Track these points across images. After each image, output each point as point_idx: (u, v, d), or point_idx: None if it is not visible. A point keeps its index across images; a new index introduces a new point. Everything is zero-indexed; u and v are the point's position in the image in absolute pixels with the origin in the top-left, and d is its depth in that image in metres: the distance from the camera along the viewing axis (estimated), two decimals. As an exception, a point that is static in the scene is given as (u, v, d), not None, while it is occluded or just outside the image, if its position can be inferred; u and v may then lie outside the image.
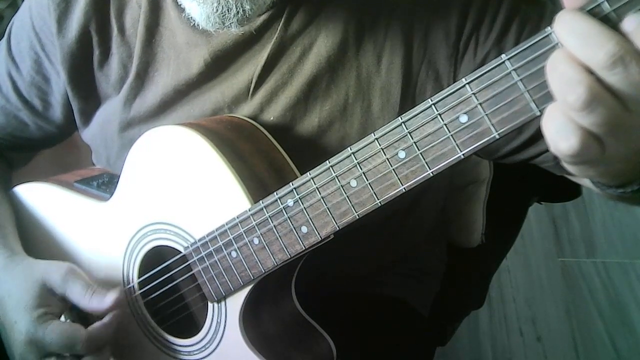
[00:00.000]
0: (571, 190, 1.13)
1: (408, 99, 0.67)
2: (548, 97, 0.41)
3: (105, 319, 0.69)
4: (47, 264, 0.73)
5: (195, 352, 0.71)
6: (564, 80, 0.37)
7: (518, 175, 1.06)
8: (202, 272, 0.66)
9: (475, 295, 1.16)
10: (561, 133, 0.39)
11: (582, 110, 0.37)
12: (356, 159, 0.52)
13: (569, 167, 0.44)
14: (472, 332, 1.79)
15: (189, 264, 0.67)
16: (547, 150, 0.65)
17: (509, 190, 1.10)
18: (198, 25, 0.63)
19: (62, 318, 0.71)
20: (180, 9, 0.69)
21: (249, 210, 0.60)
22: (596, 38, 0.35)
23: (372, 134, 0.51)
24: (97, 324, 0.69)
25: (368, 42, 0.66)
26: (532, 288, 1.90)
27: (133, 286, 0.74)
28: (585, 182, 0.65)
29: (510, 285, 1.91)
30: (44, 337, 0.66)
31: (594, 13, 0.37)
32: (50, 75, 0.78)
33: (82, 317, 0.73)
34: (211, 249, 0.64)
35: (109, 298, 0.68)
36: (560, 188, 1.13)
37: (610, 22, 0.36)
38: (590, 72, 0.36)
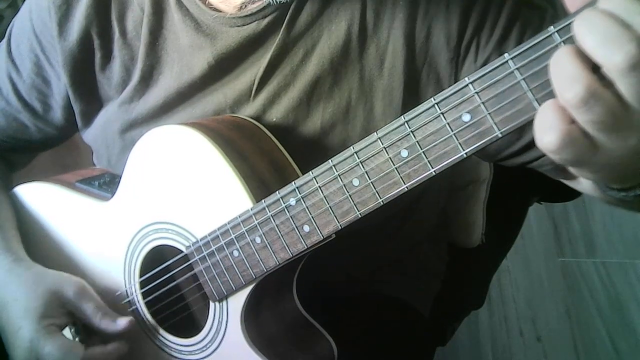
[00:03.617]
0: (571, 190, 1.12)
1: (410, 102, 0.67)
2: (551, 96, 0.41)
3: (109, 347, 0.70)
4: (59, 275, 0.73)
5: (196, 352, 0.71)
6: (564, 76, 0.37)
7: (518, 175, 1.06)
8: (203, 271, 0.66)
9: (475, 295, 1.16)
10: (543, 127, 0.39)
11: (579, 107, 0.37)
12: (358, 158, 0.52)
13: (571, 167, 0.44)
14: (472, 332, 1.79)
15: (190, 264, 0.67)
16: (545, 154, 0.65)
17: (509, 190, 1.10)
18: (276, 1, 0.63)
19: (67, 329, 0.71)
20: (184, 11, 0.69)
21: (251, 209, 0.60)
22: (616, 39, 0.34)
23: (375, 133, 0.51)
24: (97, 348, 0.69)
25: (371, 45, 0.66)
26: (532, 288, 1.90)
27: (134, 286, 0.74)
28: (584, 189, 0.65)
29: (510, 285, 1.91)
30: (44, 348, 0.67)
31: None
32: (50, 77, 0.78)
33: (89, 330, 0.73)
34: (213, 248, 0.64)
35: (121, 323, 0.70)
36: (561, 188, 1.13)
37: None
38: (592, 70, 0.36)
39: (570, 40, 0.39)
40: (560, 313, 1.82)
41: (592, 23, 0.35)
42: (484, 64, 0.64)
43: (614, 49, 0.34)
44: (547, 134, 0.39)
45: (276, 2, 0.63)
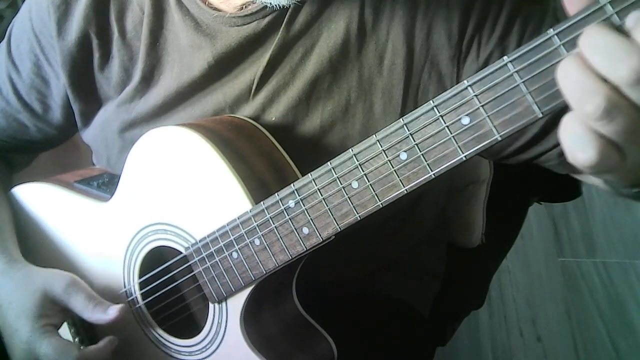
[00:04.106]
0: (571, 190, 1.13)
1: (410, 100, 0.67)
2: (550, 100, 0.41)
3: (100, 344, 0.70)
4: (49, 272, 0.73)
5: (196, 353, 0.71)
6: (580, 90, 0.37)
7: (518, 175, 1.06)
8: (203, 272, 0.66)
9: (475, 295, 1.16)
10: (578, 144, 0.38)
11: (602, 119, 0.36)
12: (358, 161, 0.52)
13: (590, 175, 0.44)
14: (472, 332, 1.79)
15: (189, 265, 0.67)
16: (550, 149, 0.65)
17: (509, 190, 1.10)
18: (278, 5, 0.63)
19: (65, 327, 0.71)
20: (184, 11, 0.69)
21: (250, 211, 0.60)
22: (619, 53, 0.35)
23: (374, 136, 0.51)
24: (91, 347, 0.69)
25: (370, 43, 0.66)
26: (532, 288, 1.90)
27: (134, 287, 0.74)
28: (592, 181, 0.65)
29: (510, 285, 1.91)
30: (40, 349, 0.67)
31: (597, 16, 0.37)
32: (49, 77, 0.78)
33: (88, 330, 0.73)
34: (212, 249, 0.64)
35: (112, 311, 0.69)
36: (560, 188, 1.13)
37: (614, 24, 0.36)
38: (607, 81, 0.36)
39: (570, 44, 0.38)
40: (560, 313, 1.82)
41: (594, 39, 0.36)
42: (486, 60, 0.64)
43: (618, 64, 0.35)
44: (584, 152, 0.38)
45: (275, 6, 0.63)
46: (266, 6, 0.65)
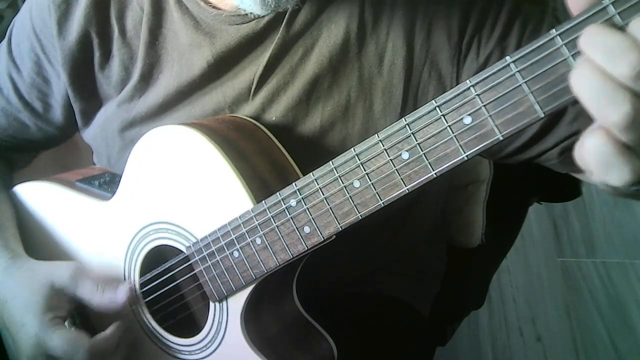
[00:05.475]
0: (571, 191, 1.13)
1: (410, 100, 0.67)
2: (552, 100, 0.41)
3: (108, 331, 0.70)
4: (52, 264, 0.73)
5: (196, 352, 0.71)
6: (605, 99, 0.36)
7: (518, 175, 1.07)
8: (203, 271, 0.66)
9: (475, 295, 1.16)
10: (612, 167, 0.37)
11: (628, 128, 0.35)
12: (359, 160, 0.52)
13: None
14: (472, 332, 1.79)
15: (190, 264, 0.67)
16: (550, 149, 0.65)
17: (509, 190, 1.10)
18: (252, 13, 0.63)
19: (66, 324, 0.71)
20: (184, 10, 0.69)
21: (252, 210, 0.60)
22: (618, 50, 0.35)
23: (376, 135, 0.51)
24: (100, 335, 0.69)
25: (370, 43, 0.66)
26: (532, 288, 1.91)
27: (134, 286, 0.74)
28: (592, 180, 0.65)
29: (510, 285, 1.91)
30: (50, 342, 0.67)
31: (599, 16, 0.37)
32: (50, 76, 0.78)
33: (87, 325, 0.73)
34: (213, 248, 0.64)
35: (121, 293, 0.69)
36: (560, 188, 1.13)
37: (616, 25, 0.36)
38: (627, 85, 0.35)
39: (572, 45, 0.39)
40: (560, 313, 1.82)
41: (592, 38, 0.36)
42: (486, 60, 0.64)
43: (619, 61, 0.35)
44: (617, 171, 0.37)
45: (259, 14, 0.63)
46: None
